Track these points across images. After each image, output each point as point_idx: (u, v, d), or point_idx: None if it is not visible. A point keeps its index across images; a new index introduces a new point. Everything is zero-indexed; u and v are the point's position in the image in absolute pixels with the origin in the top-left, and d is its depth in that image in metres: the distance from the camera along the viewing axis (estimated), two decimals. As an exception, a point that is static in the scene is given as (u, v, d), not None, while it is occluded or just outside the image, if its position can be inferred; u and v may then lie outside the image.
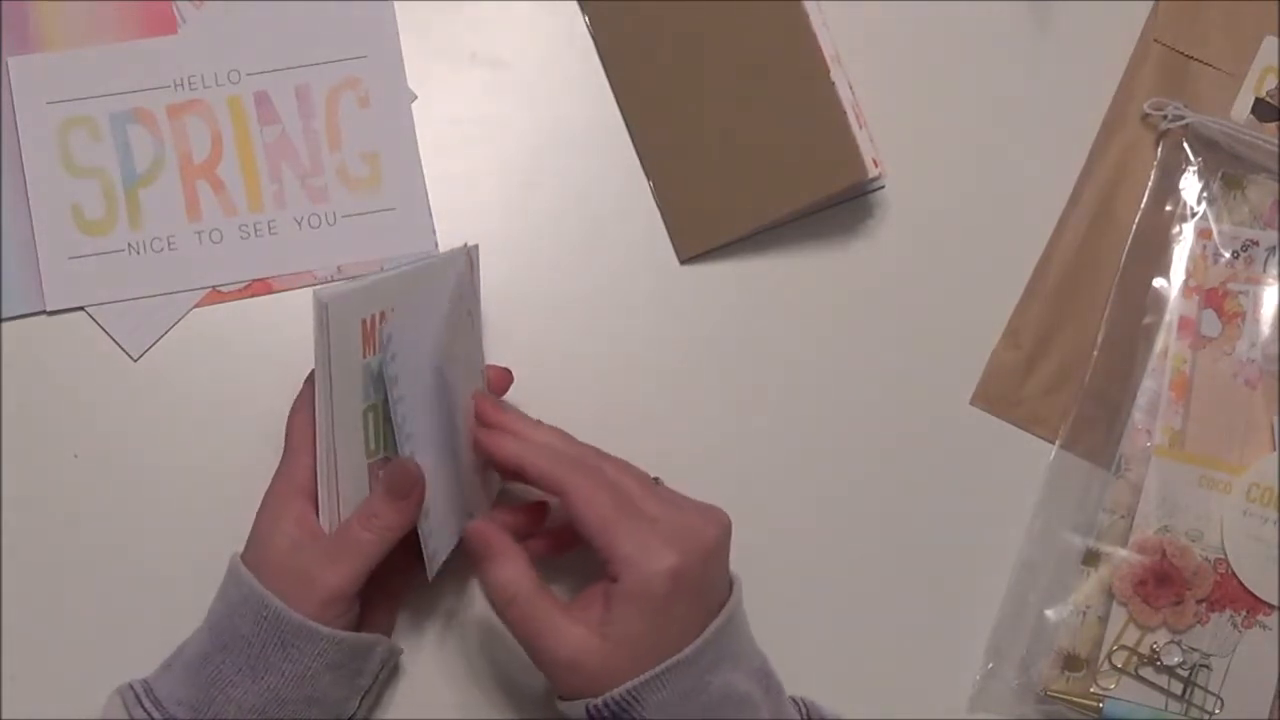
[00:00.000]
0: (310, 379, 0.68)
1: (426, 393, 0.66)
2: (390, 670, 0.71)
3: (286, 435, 0.68)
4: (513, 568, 0.65)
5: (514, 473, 0.67)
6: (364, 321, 0.65)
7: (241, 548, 0.67)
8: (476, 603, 0.74)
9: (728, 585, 0.67)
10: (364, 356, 0.65)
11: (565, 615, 0.64)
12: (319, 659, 0.64)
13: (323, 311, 0.62)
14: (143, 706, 0.64)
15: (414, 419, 0.65)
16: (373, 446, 0.68)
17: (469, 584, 0.74)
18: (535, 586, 0.65)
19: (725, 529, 0.66)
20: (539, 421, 0.69)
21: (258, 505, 0.68)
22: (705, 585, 0.65)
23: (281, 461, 0.68)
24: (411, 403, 0.65)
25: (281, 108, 0.78)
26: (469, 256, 0.70)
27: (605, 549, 0.63)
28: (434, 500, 0.66)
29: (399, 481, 0.65)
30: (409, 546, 0.71)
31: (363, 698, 0.68)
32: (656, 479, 0.69)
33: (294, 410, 0.68)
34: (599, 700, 0.63)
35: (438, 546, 0.68)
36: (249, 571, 0.65)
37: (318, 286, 0.64)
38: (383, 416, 0.67)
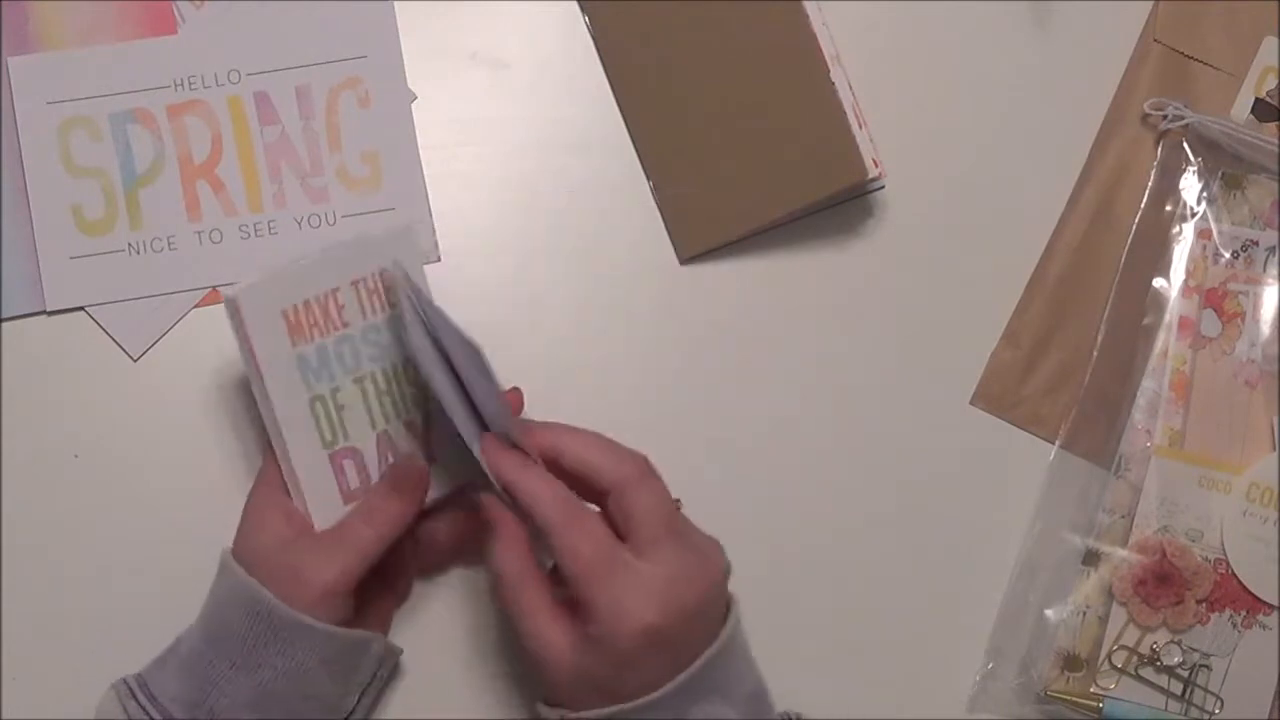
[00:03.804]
0: None
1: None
2: (390, 669, 0.71)
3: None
4: (509, 550, 0.65)
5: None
6: (285, 312, 0.66)
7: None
8: (477, 603, 0.74)
9: (721, 617, 0.65)
10: (294, 346, 0.67)
11: (550, 614, 0.63)
12: (312, 654, 0.64)
13: (233, 308, 0.65)
14: (137, 701, 0.64)
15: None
16: (329, 437, 0.68)
17: (469, 584, 0.74)
18: (526, 573, 0.64)
19: (719, 578, 0.65)
20: (573, 430, 0.67)
21: (256, 504, 0.68)
22: (685, 637, 0.63)
23: (265, 457, 0.69)
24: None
25: (281, 108, 0.78)
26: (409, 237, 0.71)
27: (582, 596, 0.62)
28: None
29: (403, 479, 0.65)
30: (413, 545, 0.71)
31: (361, 695, 0.68)
32: (677, 501, 0.67)
33: None
34: (572, 717, 0.63)
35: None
36: (240, 566, 0.65)
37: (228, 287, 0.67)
38: (334, 405, 0.68)
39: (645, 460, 0.66)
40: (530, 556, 0.65)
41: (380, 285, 0.69)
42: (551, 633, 0.63)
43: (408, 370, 0.70)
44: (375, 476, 0.69)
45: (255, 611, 0.64)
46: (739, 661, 0.66)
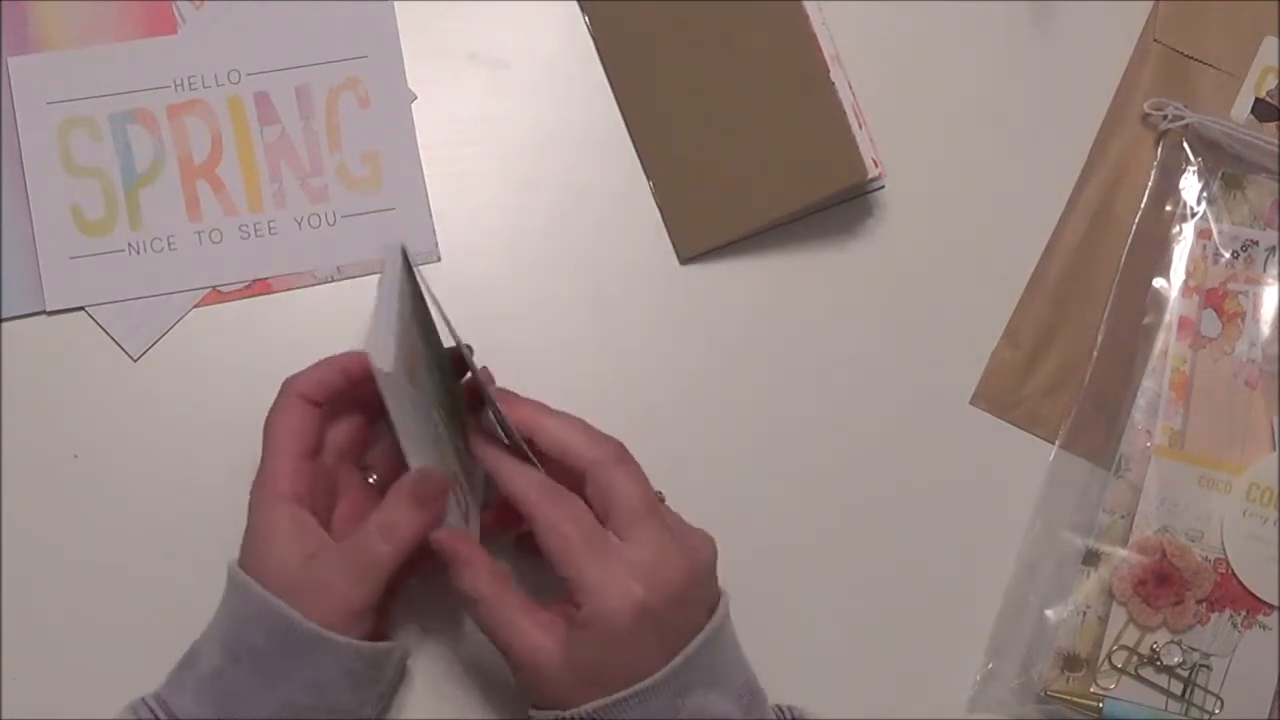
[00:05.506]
0: (286, 386, 0.67)
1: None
2: (401, 674, 0.71)
3: (265, 440, 0.67)
4: (476, 573, 0.64)
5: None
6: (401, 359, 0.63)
7: (237, 554, 0.67)
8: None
9: (709, 609, 0.66)
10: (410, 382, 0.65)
11: (530, 619, 0.64)
12: (336, 668, 0.64)
13: (387, 380, 0.60)
14: None
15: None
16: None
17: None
18: (499, 588, 0.64)
19: (705, 564, 0.66)
20: (551, 411, 0.67)
21: (256, 506, 0.67)
22: (673, 619, 0.63)
23: (261, 467, 0.67)
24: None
25: (281, 108, 0.78)
26: (402, 254, 0.67)
27: (570, 578, 0.62)
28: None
29: (425, 491, 0.64)
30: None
31: (378, 702, 0.68)
32: (659, 494, 0.67)
33: (273, 413, 0.67)
34: (568, 715, 0.63)
35: None
36: (254, 581, 0.64)
37: (370, 359, 0.60)
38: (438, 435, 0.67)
39: (621, 445, 0.66)
40: (500, 575, 0.65)
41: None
42: (536, 633, 0.63)
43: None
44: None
45: (278, 627, 0.63)
46: (731, 654, 0.67)
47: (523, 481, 0.65)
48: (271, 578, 0.64)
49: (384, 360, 0.60)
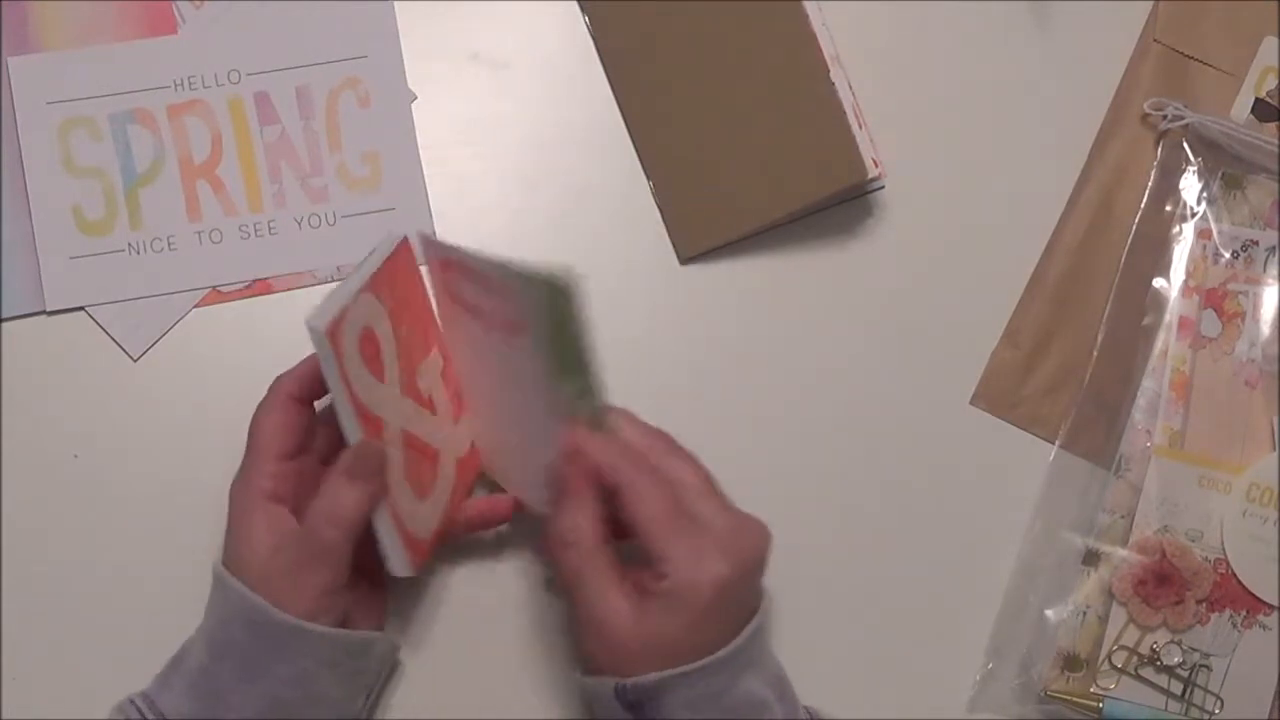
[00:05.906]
0: (275, 384, 0.68)
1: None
2: (391, 667, 0.71)
3: (250, 437, 0.67)
4: (583, 515, 0.65)
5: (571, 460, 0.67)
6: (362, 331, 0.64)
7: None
8: (479, 600, 0.74)
9: (759, 591, 0.67)
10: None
11: (614, 581, 0.64)
12: (313, 658, 0.64)
13: (318, 339, 0.61)
14: None
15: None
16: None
17: (472, 580, 0.74)
18: (597, 540, 0.65)
19: (770, 541, 0.66)
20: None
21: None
22: (746, 595, 0.65)
23: (243, 464, 0.67)
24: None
25: (281, 108, 0.78)
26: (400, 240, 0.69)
27: (656, 549, 0.63)
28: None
29: (361, 465, 0.64)
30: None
31: (368, 696, 0.68)
32: None
33: (260, 410, 0.68)
34: (628, 682, 0.63)
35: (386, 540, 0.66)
36: (233, 577, 0.65)
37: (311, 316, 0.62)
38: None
39: (670, 435, 0.68)
40: (601, 528, 0.65)
41: None
42: (617, 595, 0.64)
43: None
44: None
45: (254, 621, 0.63)
46: (769, 642, 0.68)
47: (611, 451, 0.65)
48: (249, 573, 0.65)
49: (319, 320, 0.60)
